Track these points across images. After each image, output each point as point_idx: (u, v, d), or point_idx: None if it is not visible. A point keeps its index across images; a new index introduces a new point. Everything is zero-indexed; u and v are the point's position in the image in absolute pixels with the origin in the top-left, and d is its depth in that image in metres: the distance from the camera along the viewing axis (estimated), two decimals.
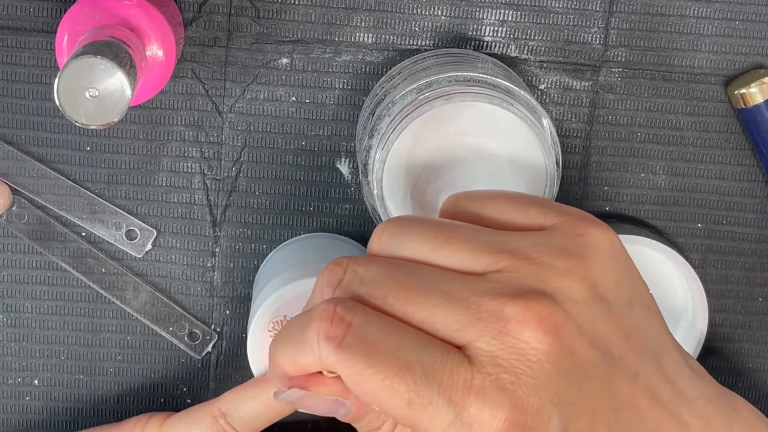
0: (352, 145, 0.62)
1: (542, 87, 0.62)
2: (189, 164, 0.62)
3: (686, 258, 0.62)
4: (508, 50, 0.62)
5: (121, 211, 0.63)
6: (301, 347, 0.40)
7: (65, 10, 0.55)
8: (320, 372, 0.41)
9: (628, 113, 0.63)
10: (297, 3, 0.60)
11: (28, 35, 0.60)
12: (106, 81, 0.50)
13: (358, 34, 0.61)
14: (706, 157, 0.63)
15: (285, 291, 0.57)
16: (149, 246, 0.63)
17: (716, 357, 0.66)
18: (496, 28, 0.61)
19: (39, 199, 0.62)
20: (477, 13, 0.61)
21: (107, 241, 0.63)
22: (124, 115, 0.51)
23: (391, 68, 0.60)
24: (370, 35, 0.61)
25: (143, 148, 0.62)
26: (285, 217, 0.63)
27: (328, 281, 0.41)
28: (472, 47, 0.61)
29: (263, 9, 0.60)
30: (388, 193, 0.55)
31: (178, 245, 0.63)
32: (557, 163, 0.55)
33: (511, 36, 0.61)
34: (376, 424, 0.42)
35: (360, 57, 0.61)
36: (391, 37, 0.61)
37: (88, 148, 0.62)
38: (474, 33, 0.61)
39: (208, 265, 0.64)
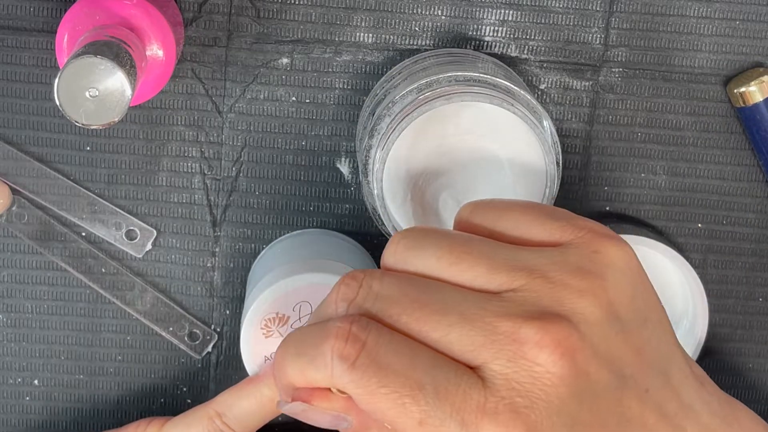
0: (352, 145, 0.62)
1: (542, 87, 0.62)
2: (189, 164, 0.62)
3: (686, 258, 0.62)
4: (508, 50, 0.62)
5: (121, 211, 0.63)
6: (312, 362, 0.40)
7: (65, 10, 0.55)
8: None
9: (629, 113, 0.63)
10: (297, 3, 0.60)
11: (28, 35, 0.60)
12: (106, 81, 0.50)
13: (358, 34, 0.61)
14: (706, 157, 0.63)
15: (276, 288, 0.57)
16: (149, 246, 0.63)
17: (716, 357, 0.66)
18: (496, 28, 0.61)
19: (39, 199, 0.62)
20: (477, 13, 0.61)
21: (107, 241, 0.63)
22: (124, 115, 0.51)
23: (391, 68, 0.60)
24: (370, 35, 0.61)
25: (143, 148, 0.62)
26: (285, 216, 0.63)
27: (343, 295, 0.41)
28: (472, 47, 0.61)
29: (263, 9, 0.60)
30: (388, 193, 0.55)
31: (178, 245, 0.63)
32: (557, 163, 0.55)
33: (511, 36, 0.61)
34: None
35: (360, 57, 0.61)
36: (391, 37, 0.61)
37: (88, 148, 0.62)
38: (474, 33, 0.61)
39: (208, 265, 0.64)
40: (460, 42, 0.61)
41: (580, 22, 0.61)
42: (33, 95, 0.61)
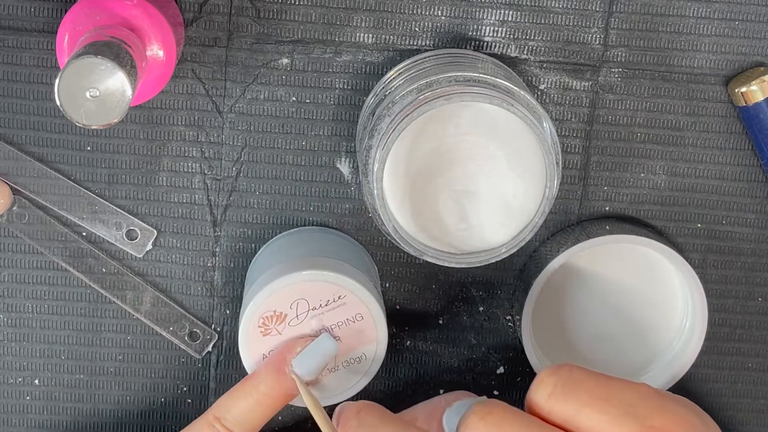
0: (352, 145, 0.62)
1: (542, 87, 0.62)
2: (189, 164, 0.62)
3: (686, 258, 0.62)
4: (508, 50, 0.62)
5: (122, 211, 0.63)
6: None
7: (66, 11, 0.55)
8: None
9: (628, 113, 0.63)
10: (297, 3, 0.60)
11: (28, 35, 0.60)
12: (106, 81, 0.50)
13: (358, 34, 0.61)
14: (705, 157, 0.63)
15: (273, 286, 0.57)
16: (150, 246, 0.63)
17: (716, 357, 0.66)
18: (496, 28, 0.61)
19: (39, 199, 0.62)
20: (477, 13, 0.61)
21: (108, 241, 0.63)
22: (125, 115, 0.51)
23: (391, 68, 0.60)
24: (370, 35, 0.61)
25: (144, 148, 0.62)
26: (285, 216, 0.63)
27: None
28: (472, 47, 0.61)
29: (263, 9, 0.60)
30: (388, 193, 0.55)
31: (178, 245, 0.63)
32: (557, 163, 0.55)
33: (511, 36, 0.61)
34: None
35: (360, 57, 0.61)
36: (391, 37, 0.61)
37: (89, 148, 0.62)
38: (474, 33, 0.61)
39: (209, 264, 0.64)
40: (460, 42, 0.61)
41: (579, 23, 0.61)
42: (33, 95, 0.61)
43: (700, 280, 0.62)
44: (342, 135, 0.62)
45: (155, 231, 0.63)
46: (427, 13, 0.61)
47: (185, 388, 0.66)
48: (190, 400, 0.66)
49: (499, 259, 0.57)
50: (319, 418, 0.49)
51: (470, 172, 0.56)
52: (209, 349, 0.65)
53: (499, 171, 0.56)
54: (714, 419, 0.45)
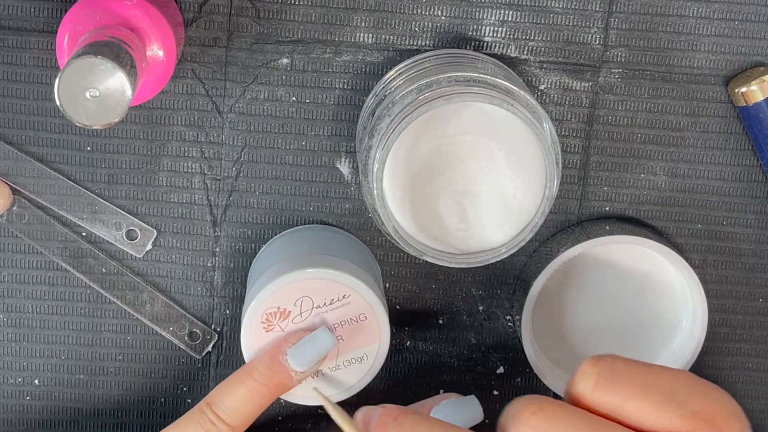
0: (352, 145, 0.62)
1: (542, 87, 0.62)
2: (189, 164, 0.62)
3: (686, 258, 0.63)
4: (508, 50, 0.62)
5: (122, 211, 0.63)
6: None
7: (66, 11, 0.55)
8: None
9: (628, 114, 0.63)
10: (297, 3, 0.60)
11: (28, 35, 0.60)
12: (106, 81, 0.50)
13: (358, 34, 0.61)
14: (706, 157, 0.63)
15: (279, 282, 0.57)
16: (149, 246, 0.63)
17: (716, 357, 0.66)
18: (496, 29, 0.61)
19: (39, 199, 0.62)
20: (477, 13, 0.61)
21: (107, 241, 0.63)
22: (125, 115, 0.51)
23: (391, 68, 0.60)
24: (370, 35, 0.61)
25: (143, 148, 0.62)
26: (285, 216, 0.63)
27: None
28: (472, 47, 0.61)
29: (263, 9, 0.60)
30: (388, 193, 0.55)
31: (178, 245, 0.63)
32: (557, 163, 0.55)
33: (511, 36, 0.61)
34: None
35: (360, 57, 0.61)
36: (391, 37, 0.61)
37: (89, 148, 0.62)
38: (474, 33, 0.61)
39: (209, 264, 0.64)
40: (460, 42, 0.61)
41: (579, 23, 0.61)
42: (33, 95, 0.61)
43: (700, 280, 0.62)
44: (342, 135, 0.62)
45: (155, 231, 0.63)
46: (427, 13, 0.61)
47: (185, 388, 0.66)
48: (190, 400, 0.66)
49: (499, 259, 0.57)
50: (343, 423, 0.49)
51: (470, 172, 0.56)
52: (209, 349, 0.65)
53: (499, 171, 0.56)
54: None
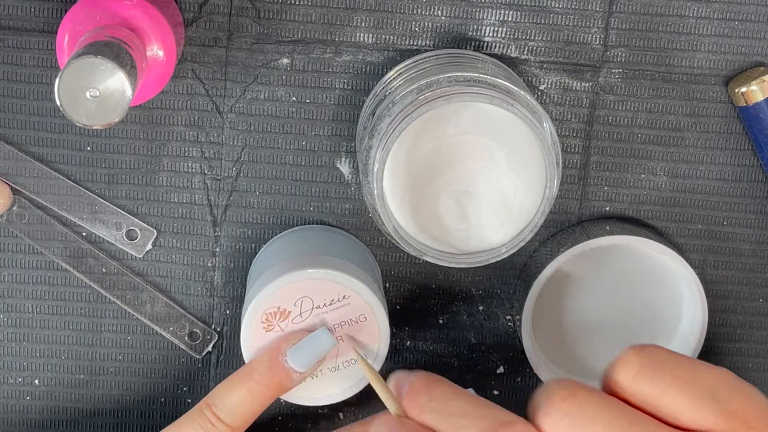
0: (352, 145, 0.62)
1: (542, 87, 0.62)
2: (189, 164, 0.62)
3: (686, 258, 0.62)
4: (508, 50, 0.62)
5: (122, 211, 0.63)
6: None
7: (66, 11, 0.55)
8: None
9: (628, 114, 0.63)
10: (297, 3, 0.60)
11: (28, 35, 0.60)
12: (106, 81, 0.50)
13: (358, 34, 0.61)
14: (706, 157, 0.63)
15: (279, 282, 0.57)
16: (149, 246, 0.63)
17: (716, 357, 0.66)
18: (496, 29, 0.61)
19: (39, 199, 0.62)
20: (477, 13, 0.61)
21: (108, 241, 0.63)
22: (125, 115, 0.51)
23: (391, 68, 0.60)
24: (370, 35, 0.61)
25: (144, 148, 0.62)
26: (285, 216, 0.63)
27: None
28: (472, 47, 0.61)
29: (263, 9, 0.60)
30: (388, 193, 0.55)
31: (178, 245, 0.63)
32: (557, 163, 0.55)
33: (511, 36, 0.61)
34: None
35: (360, 57, 0.61)
36: (391, 37, 0.61)
37: (89, 148, 0.62)
38: (474, 33, 0.61)
39: (209, 264, 0.64)
40: (460, 42, 0.61)
41: (579, 23, 0.61)
42: (33, 95, 0.61)
43: (700, 280, 0.62)
44: (342, 135, 0.62)
45: (155, 231, 0.63)
46: (427, 13, 0.61)
47: (185, 388, 0.66)
48: (190, 400, 0.66)
49: (499, 259, 0.57)
50: (380, 389, 0.49)
51: (470, 172, 0.56)
52: (209, 349, 0.65)
53: (499, 171, 0.56)
54: None
